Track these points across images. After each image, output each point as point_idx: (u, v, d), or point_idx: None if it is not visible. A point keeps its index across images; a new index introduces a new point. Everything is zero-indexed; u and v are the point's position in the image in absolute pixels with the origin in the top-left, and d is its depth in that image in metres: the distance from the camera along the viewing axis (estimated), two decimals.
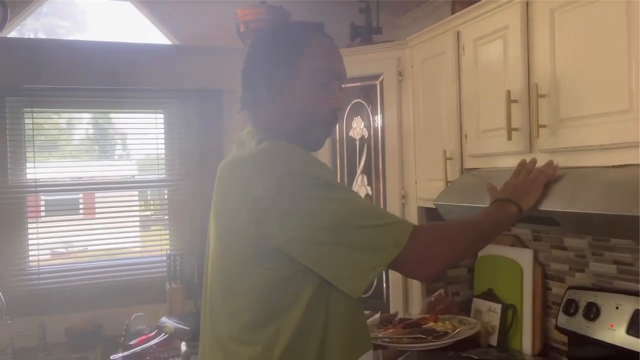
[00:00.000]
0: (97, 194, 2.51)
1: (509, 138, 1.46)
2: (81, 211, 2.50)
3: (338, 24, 2.38)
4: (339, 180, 2.23)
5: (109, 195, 2.50)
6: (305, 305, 1.00)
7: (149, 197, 2.55)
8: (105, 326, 2.27)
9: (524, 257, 1.93)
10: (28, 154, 2.31)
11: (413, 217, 2.09)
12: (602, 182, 1.17)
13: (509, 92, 1.46)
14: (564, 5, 1.31)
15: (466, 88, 1.73)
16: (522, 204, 1.20)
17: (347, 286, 1.00)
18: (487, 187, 1.36)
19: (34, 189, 2.33)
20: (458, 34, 1.75)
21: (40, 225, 2.33)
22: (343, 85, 1.17)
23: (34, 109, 2.31)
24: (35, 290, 2.29)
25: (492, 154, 1.60)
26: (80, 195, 2.51)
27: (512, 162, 1.48)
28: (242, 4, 2.20)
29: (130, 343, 1.98)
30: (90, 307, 2.29)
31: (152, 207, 2.61)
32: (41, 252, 2.33)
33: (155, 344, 1.91)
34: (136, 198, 2.54)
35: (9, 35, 2.20)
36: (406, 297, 2.13)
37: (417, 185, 2.06)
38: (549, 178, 1.28)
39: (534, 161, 1.36)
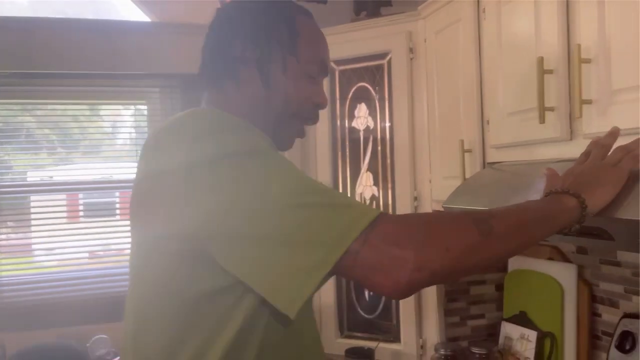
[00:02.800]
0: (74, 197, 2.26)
1: (542, 121, 1.10)
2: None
3: None
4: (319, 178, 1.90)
5: (89, 201, 2.24)
6: (234, 334, 0.73)
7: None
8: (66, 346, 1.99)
9: (565, 274, 1.55)
10: None
11: None
12: None
13: (541, 60, 1.09)
14: None
15: (488, 61, 1.37)
16: (587, 198, 0.79)
17: (278, 299, 0.67)
18: (547, 174, 0.91)
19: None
20: None
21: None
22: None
23: None
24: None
25: (521, 143, 1.24)
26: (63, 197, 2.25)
27: (547, 153, 1.12)
28: None
29: None
30: (53, 325, 1.99)
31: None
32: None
33: None
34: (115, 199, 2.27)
35: None
36: (419, 318, 1.78)
37: (432, 185, 1.71)
38: (636, 163, 0.83)
39: (615, 133, 0.89)
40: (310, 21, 0.95)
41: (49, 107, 2.14)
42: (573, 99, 1.04)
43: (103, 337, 1.85)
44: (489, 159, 1.39)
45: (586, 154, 0.89)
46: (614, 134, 0.89)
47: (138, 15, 2.17)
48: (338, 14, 1.99)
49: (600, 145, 0.87)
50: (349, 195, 1.88)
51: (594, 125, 1.00)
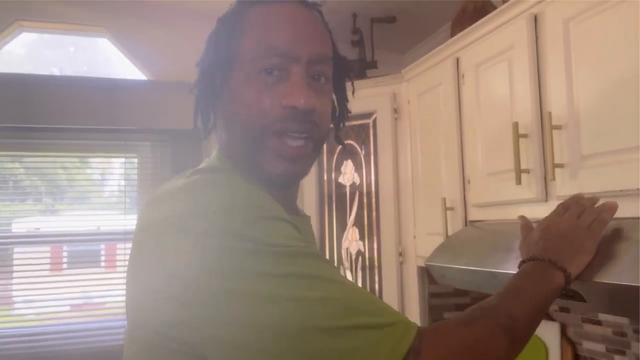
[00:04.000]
0: (66, 247, 2.25)
1: (518, 182, 1.15)
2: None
3: None
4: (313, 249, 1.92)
5: (74, 249, 2.24)
6: None
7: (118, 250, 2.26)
8: None
9: (548, 332, 1.56)
10: None
11: (412, 279, 1.75)
12: None
13: (516, 125, 1.16)
14: (580, 13, 1.03)
15: (467, 123, 1.43)
16: (568, 267, 0.77)
17: None
18: (521, 223, 0.92)
19: None
20: (457, 60, 1.48)
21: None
22: (323, 77, 0.73)
23: None
24: None
25: (500, 203, 1.28)
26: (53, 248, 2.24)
27: (524, 212, 1.15)
28: None
29: None
30: None
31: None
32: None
33: None
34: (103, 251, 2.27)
35: None
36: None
37: (416, 241, 1.74)
38: (603, 227, 0.84)
39: (592, 200, 0.87)
40: (269, 6, 0.72)
41: (38, 157, 2.17)
42: (547, 162, 1.09)
43: None
44: (471, 217, 1.42)
45: (564, 207, 0.87)
46: (593, 201, 0.87)
47: (132, 71, 2.25)
48: None
49: (580, 205, 0.86)
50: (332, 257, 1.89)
51: (566, 187, 1.05)
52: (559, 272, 0.76)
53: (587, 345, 1.48)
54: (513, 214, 1.22)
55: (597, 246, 0.83)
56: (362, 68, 2.00)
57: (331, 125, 0.79)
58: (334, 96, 0.80)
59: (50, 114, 1.94)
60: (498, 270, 1.05)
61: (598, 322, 1.44)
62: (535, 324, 0.71)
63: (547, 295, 0.74)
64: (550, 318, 1.59)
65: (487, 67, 1.34)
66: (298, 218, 0.77)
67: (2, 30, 2.07)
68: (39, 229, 2.17)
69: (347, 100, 0.86)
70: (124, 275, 0.69)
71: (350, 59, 2.00)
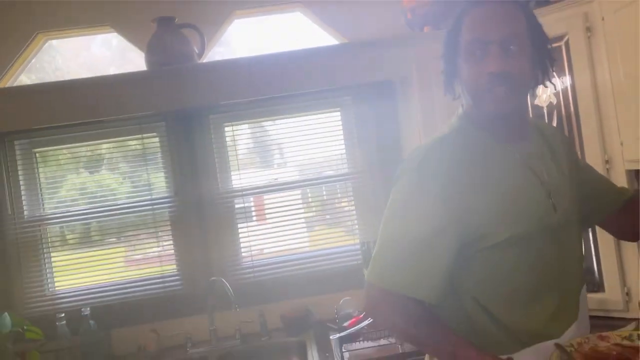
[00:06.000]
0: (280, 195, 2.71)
1: None
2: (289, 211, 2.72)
3: None
4: None
5: (292, 195, 2.70)
6: None
7: (338, 192, 2.71)
8: (314, 312, 2.47)
9: None
10: (232, 164, 2.61)
11: (622, 183, 1.92)
12: None
13: None
14: None
15: None
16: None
17: None
18: None
19: (241, 193, 2.62)
20: None
21: (248, 226, 2.62)
22: (512, 47, 1.11)
23: (233, 123, 2.61)
24: (251, 281, 2.58)
25: None
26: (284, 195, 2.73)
27: None
28: None
29: (344, 325, 2.12)
30: (299, 295, 2.51)
31: (340, 201, 2.76)
32: (253, 248, 2.61)
33: (366, 325, 2.02)
34: (324, 194, 2.72)
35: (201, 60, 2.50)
36: (622, 269, 1.96)
37: (624, 147, 1.89)
38: None
39: None
40: (474, 11, 1.15)
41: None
42: None
43: (348, 299, 2.31)
44: None
45: None
46: None
47: (331, 41, 2.59)
48: None
49: None
50: None
51: None
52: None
53: None
54: None
55: None
56: None
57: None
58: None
59: (274, 86, 2.34)
60: None
61: None
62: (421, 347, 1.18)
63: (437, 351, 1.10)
64: None
65: None
66: (517, 146, 1.18)
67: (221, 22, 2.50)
68: (277, 179, 2.67)
69: (547, 55, 1.19)
70: None
71: None
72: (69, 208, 2.59)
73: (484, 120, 1.18)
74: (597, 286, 2.03)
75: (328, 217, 2.71)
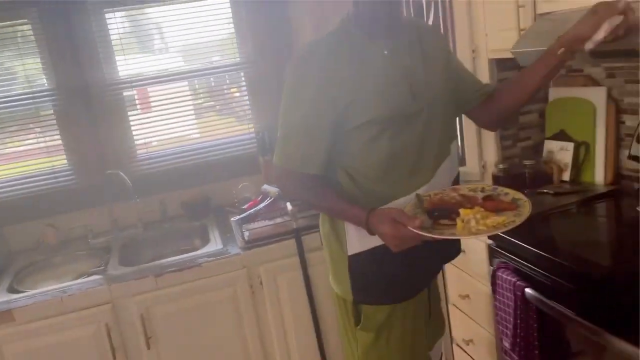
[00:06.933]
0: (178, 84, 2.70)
1: None
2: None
3: None
4: None
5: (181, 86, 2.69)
6: None
7: (227, 80, 2.73)
8: (213, 198, 2.61)
9: (597, 95, 2.01)
10: (116, 52, 2.50)
11: (484, 70, 2.16)
12: None
13: None
14: None
15: None
16: (375, 231, 1.27)
17: None
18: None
19: (129, 84, 2.55)
20: None
21: (137, 116, 2.59)
22: None
23: (114, 8, 2.46)
24: (148, 172, 2.62)
25: None
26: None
27: (588, 1, 1.51)
28: None
29: (243, 207, 2.29)
30: (197, 184, 2.61)
31: (231, 91, 2.79)
32: (145, 139, 2.62)
33: (264, 207, 2.21)
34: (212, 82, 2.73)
35: None
36: (480, 145, 2.29)
37: (488, 38, 2.11)
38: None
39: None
40: None
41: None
42: None
43: (246, 184, 2.47)
44: (540, 10, 1.77)
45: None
46: None
47: None
48: None
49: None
50: None
51: None
52: (366, 225, 1.29)
53: (628, 100, 1.94)
54: (578, 2, 1.57)
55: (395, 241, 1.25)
56: None
57: None
58: None
59: None
60: None
61: (637, 81, 1.88)
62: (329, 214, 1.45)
63: (347, 219, 1.38)
64: (597, 84, 2.03)
65: None
66: (388, 42, 1.34)
67: None
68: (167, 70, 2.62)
69: None
70: None
71: None
72: None
73: (361, 20, 1.33)
74: (460, 161, 2.36)
75: (218, 107, 2.76)
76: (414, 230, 1.18)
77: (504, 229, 1.18)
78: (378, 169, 1.35)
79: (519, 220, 1.21)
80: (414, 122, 1.35)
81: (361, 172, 1.36)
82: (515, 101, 1.49)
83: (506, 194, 1.36)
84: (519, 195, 1.34)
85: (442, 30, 2.23)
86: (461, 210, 1.25)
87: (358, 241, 1.38)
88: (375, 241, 1.31)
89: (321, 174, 1.35)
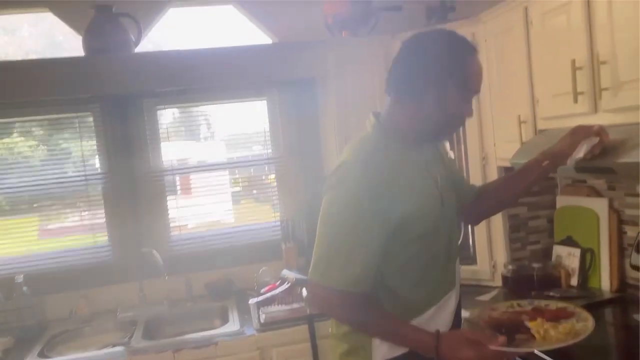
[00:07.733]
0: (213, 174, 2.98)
1: (575, 101, 1.68)
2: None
3: (416, 6, 2.63)
4: None
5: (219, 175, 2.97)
6: None
7: (263, 175, 3.01)
8: (235, 281, 2.76)
9: (599, 205, 2.13)
10: (163, 144, 2.82)
11: (494, 176, 2.33)
12: None
13: (573, 61, 1.67)
14: None
15: (535, 58, 1.94)
16: (450, 356, 1.19)
17: None
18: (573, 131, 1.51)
19: (171, 172, 2.84)
20: (526, 9, 1.96)
21: (176, 200, 2.85)
22: None
23: (166, 106, 2.82)
24: (180, 253, 2.82)
25: (561, 116, 1.82)
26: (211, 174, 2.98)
27: (579, 122, 1.68)
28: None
29: (262, 291, 2.43)
30: (222, 266, 2.78)
31: (264, 182, 3.05)
32: (180, 223, 2.85)
33: (281, 291, 2.34)
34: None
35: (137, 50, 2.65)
36: (490, 246, 2.40)
37: (496, 147, 2.30)
38: None
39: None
40: (475, 58, 1.30)
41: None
42: (595, 86, 1.61)
43: (266, 269, 2.62)
44: (539, 127, 1.97)
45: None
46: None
47: (259, 34, 2.83)
48: (412, 20, 2.55)
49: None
50: None
51: (609, 103, 1.58)
52: (433, 349, 1.20)
53: (628, 212, 2.06)
54: (571, 123, 1.75)
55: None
56: (444, 12, 2.47)
57: None
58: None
59: (204, 77, 2.55)
60: None
61: (637, 195, 2.00)
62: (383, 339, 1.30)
63: (411, 344, 1.26)
64: (600, 195, 2.16)
65: (551, 16, 1.82)
66: (421, 154, 1.36)
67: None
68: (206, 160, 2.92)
69: None
70: None
71: (433, 6, 2.49)
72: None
73: (400, 134, 1.32)
74: (472, 259, 2.46)
75: (252, 195, 3.00)
76: (499, 349, 1.16)
77: (584, 336, 1.22)
78: (414, 279, 1.32)
79: (590, 325, 1.25)
80: (441, 229, 1.35)
81: (398, 284, 1.32)
82: (500, 203, 1.64)
83: (546, 304, 1.40)
84: (561, 304, 1.40)
85: (455, 138, 2.44)
86: (529, 323, 1.27)
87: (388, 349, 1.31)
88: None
89: (368, 292, 1.27)
